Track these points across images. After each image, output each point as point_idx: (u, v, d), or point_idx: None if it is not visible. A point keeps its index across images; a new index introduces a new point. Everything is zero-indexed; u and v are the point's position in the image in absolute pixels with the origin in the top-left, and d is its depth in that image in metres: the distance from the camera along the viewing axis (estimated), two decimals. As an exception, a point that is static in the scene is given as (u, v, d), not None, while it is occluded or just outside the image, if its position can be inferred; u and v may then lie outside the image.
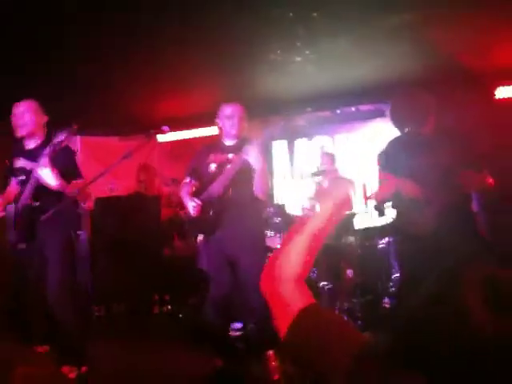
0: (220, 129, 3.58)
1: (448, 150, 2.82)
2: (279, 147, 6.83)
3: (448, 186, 2.77)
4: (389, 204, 3.31)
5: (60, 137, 3.25)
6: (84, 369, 3.37)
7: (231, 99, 5.77)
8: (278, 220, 4.81)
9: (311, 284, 4.85)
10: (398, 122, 2.99)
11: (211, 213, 3.29)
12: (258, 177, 3.22)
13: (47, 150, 3.25)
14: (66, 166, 3.39)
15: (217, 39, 4.31)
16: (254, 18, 3.90)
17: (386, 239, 4.91)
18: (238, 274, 3.34)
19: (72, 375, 3.31)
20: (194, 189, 3.49)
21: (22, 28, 3.81)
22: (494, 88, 5.65)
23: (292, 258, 1.19)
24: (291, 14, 3.85)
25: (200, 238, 3.47)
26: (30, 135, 3.53)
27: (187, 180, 3.57)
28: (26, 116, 3.48)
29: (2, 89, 5.09)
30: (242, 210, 3.30)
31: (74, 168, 3.51)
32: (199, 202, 3.34)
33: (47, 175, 3.24)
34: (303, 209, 5.41)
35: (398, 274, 4.77)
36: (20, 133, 3.50)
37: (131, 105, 6.12)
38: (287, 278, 1.16)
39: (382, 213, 4.67)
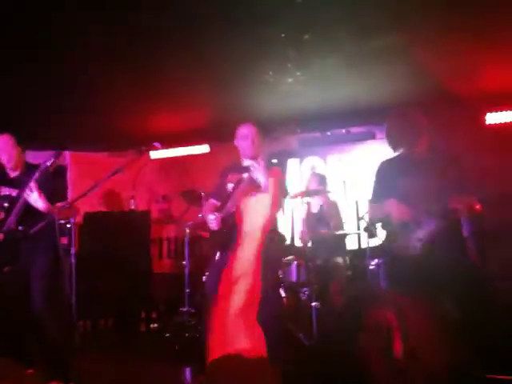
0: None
1: (439, 172, 2.83)
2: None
3: (438, 208, 2.78)
4: (379, 225, 3.31)
5: (47, 162, 3.42)
6: None
7: (223, 118, 5.83)
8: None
9: (302, 304, 4.82)
10: (392, 142, 3.01)
11: (225, 230, 3.29)
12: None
13: (35, 175, 3.42)
14: (52, 189, 3.52)
15: (209, 58, 4.35)
16: (246, 38, 3.95)
17: (376, 261, 4.91)
18: None
19: None
20: (214, 208, 3.51)
21: (10, 46, 3.82)
22: (485, 113, 5.72)
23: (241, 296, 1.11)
24: (283, 36, 3.89)
25: (217, 255, 3.46)
26: (13, 167, 3.72)
27: (210, 200, 3.60)
28: (6, 153, 3.67)
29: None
30: None
31: (60, 191, 3.69)
32: (219, 216, 3.35)
33: (35, 199, 3.39)
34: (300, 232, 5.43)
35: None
36: (6, 166, 3.71)
37: (122, 121, 6.12)
38: (236, 313, 1.08)
39: (372, 234, 4.68)
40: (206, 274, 3.91)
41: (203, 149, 6.85)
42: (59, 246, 3.53)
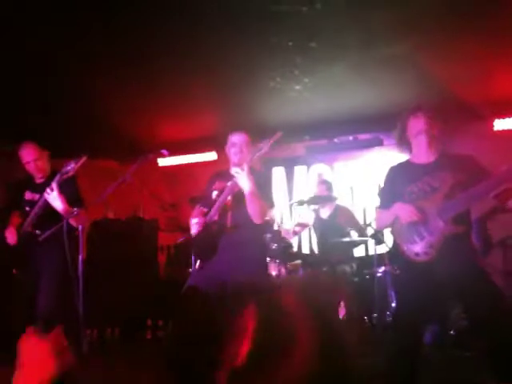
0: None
1: (450, 177, 2.81)
2: (277, 174, 6.85)
3: (449, 214, 2.75)
4: (387, 232, 3.29)
5: (68, 166, 3.50)
6: None
7: (230, 125, 5.84)
8: (274, 246, 4.79)
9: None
10: (402, 145, 2.99)
11: (207, 238, 3.29)
12: (248, 200, 3.20)
13: (56, 178, 3.52)
14: (70, 194, 3.61)
15: (217, 66, 4.38)
16: (253, 46, 3.97)
17: (383, 268, 4.88)
18: None
19: None
20: (201, 215, 3.51)
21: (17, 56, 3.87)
22: (493, 120, 5.70)
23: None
24: (290, 43, 3.91)
25: (198, 263, 3.44)
26: (39, 174, 3.86)
27: (197, 207, 3.60)
28: (32, 162, 3.80)
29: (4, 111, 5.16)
30: (238, 236, 3.29)
31: (77, 197, 3.75)
32: (202, 220, 3.34)
33: (54, 199, 3.47)
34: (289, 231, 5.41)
35: (394, 304, 4.74)
36: (32, 172, 3.85)
37: (131, 129, 6.16)
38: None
39: (379, 241, 4.66)
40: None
41: (211, 156, 6.86)
42: (68, 252, 3.57)
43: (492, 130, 5.70)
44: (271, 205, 3.39)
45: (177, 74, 4.54)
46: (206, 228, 3.31)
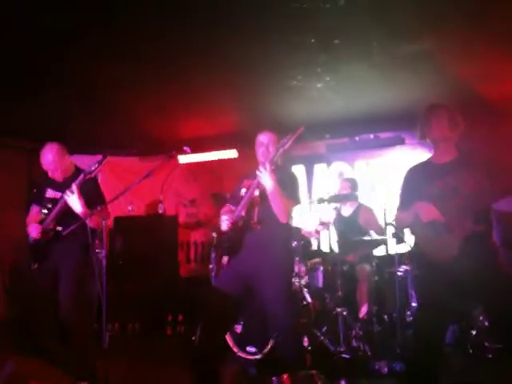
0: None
1: (470, 176, 2.79)
2: (297, 171, 6.86)
3: (470, 213, 2.73)
4: (407, 231, 3.27)
5: (92, 167, 3.52)
6: None
7: (251, 123, 5.87)
8: (294, 243, 4.80)
9: (328, 310, 4.81)
10: (422, 129, 2.98)
11: (234, 234, 3.33)
12: (271, 199, 3.23)
13: (79, 178, 3.54)
14: (91, 194, 3.63)
15: (239, 64, 4.39)
16: (276, 44, 3.98)
17: (404, 267, 4.86)
18: (259, 294, 3.35)
19: None
20: (230, 212, 3.55)
21: (38, 46, 3.91)
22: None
23: None
24: (313, 41, 3.91)
25: (225, 259, 3.49)
26: (61, 173, 3.85)
27: (226, 205, 3.65)
28: (54, 162, 3.80)
29: (23, 109, 5.26)
30: (264, 232, 3.33)
31: (98, 197, 3.77)
32: (232, 217, 3.39)
33: (74, 200, 3.50)
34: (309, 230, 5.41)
35: (415, 304, 4.71)
36: (52, 176, 3.85)
37: (152, 126, 6.22)
38: None
39: (400, 240, 4.63)
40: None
41: (231, 154, 6.89)
42: (90, 249, 3.62)
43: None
44: (295, 202, 3.40)
45: (199, 72, 4.57)
46: (233, 224, 3.36)
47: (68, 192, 3.50)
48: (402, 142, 6.13)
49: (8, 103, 5.15)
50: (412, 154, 5.60)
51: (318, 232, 5.53)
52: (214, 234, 5.45)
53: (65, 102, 5.17)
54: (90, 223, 3.57)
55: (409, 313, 4.69)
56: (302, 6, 3.41)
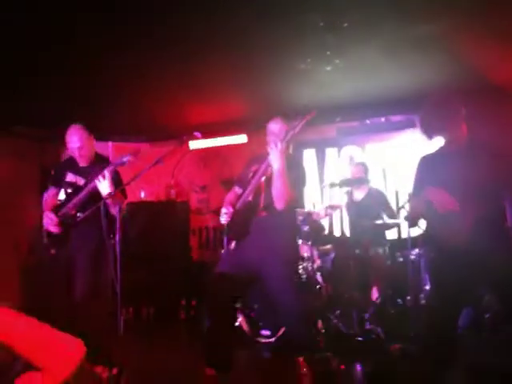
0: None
1: (482, 163, 2.77)
2: (308, 155, 6.83)
3: (482, 200, 2.72)
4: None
5: (124, 158, 3.54)
6: (115, 370, 3.45)
7: (261, 108, 5.84)
8: (306, 228, 4.80)
9: (339, 293, 4.82)
10: (427, 130, 2.96)
11: (241, 218, 3.33)
12: (274, 178, 3.20)
13: (111, 167, 3.55)
14: (115, 181, 3.62)
15: (246, 48, 4.36)
16: (284, 26, 3.93)
17: (417, 251, 4.85)
18: (265, 282, 3.35)
19: (104, 375, 3.40)
20: (236, 196, 3.55)
21: (48, 32, 3.90)
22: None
23: None
24: (321, 23, 3.86)
25: (232, 244, 3.49)
26: (84, 156, 3.82)
27: (234, 188, 3.64)
28: (78, 142, 3.75)
29: (33, 97, 5.27)
30: (270, 217, 3.32)
31: (120, 184, 3.75)
32: (231, 210, 3.39)
33: (105, 186, 3.50)
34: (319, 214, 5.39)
35: (428, 287, 4.71)
36: (77, 156, 3.81)
37: (162, 112, 6.21)
38: None
39: (413, 223, 4.61)
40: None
41: (241, 139, 6.88)
42: (106, 235, 3.62)
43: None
44: (297, 191, 3.36)
45: (206, 57, 4.54)
46: (239, 209, 3.36)
47: (100, 177, 3.50)
48: (413, 125, 6.08)
49: (18, 93, 5.16)
50: (423, 138, 5.56)
51: (326, 214, 5.52)
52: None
53: (74, 89, 5.17)
54: (111, 209, 3.62)
55: (422, 296, 4.69)
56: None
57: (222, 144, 7.01)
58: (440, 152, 3.00)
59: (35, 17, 3.64)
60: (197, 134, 3.57)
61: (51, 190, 3.94)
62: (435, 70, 4.90)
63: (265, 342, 4.29)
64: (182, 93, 5.57)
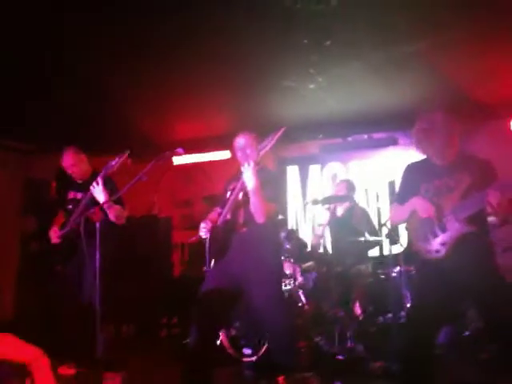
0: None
1: (466, 177, 2.79)
2: (291, 172, 6.85)
3: (464, 214, 2.74)
4: (401, 231, 3.27)
5: (112, 162, 3.67)
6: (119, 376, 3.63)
7: (245, 124, 5.85)
8: (288, 245, 4.79)
9: (323, 312, 4.80)
10: (421, 146, 2.97)
11: (220, 237, 3.31)
12: (251, 197, 3.19)
13: (102, 173, 3.70)
14: (111, 190, 3.76)
15: (231, 64, 4.38)
16: (268, 44, 3.97)
17: (398, 268, 4.86)
18: (249, 298, 3.33)
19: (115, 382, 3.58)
20: (216, 216, 3.52)
21: (36, 45, 3.89)
22: (509, 120, 5.64)
23: None
24: (305, 41, 3.90)
25: (212, 263, 3.46)
26: (78, 173, 4.13)
27: (215, 209, 3.62)
28: (74, 167, 4.09)
29: (19, 110, 5.23)
30: (251, 233, 3.31)
31: (117, 193, 3.84)
32: (209, 224, 3.37)
33: (99, 192, 3.65)
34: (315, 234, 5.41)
35: (409, 304, 4.71)
36: (72, 174, 4.11)
37: (146, 127, 6.19)
38: None
39: (394, 240, 4.64)
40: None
41: (224, 155, 6.88)
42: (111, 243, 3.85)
43: (509, 130, 5.64)
44: (276, 205, 3.38)
45: (191, 73, 4.56)
46: (217, 228, 3.32)
47: (94, 184, 3.66)
48: (395, 142, 6.15)
49: (4, 105, 5.11)
50: (405, 155, 5.61)
51: (322, 236, 5.53)
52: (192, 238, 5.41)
53: (59, 104, 5.14)
54: (111, 215, 3.79)
55: (403, 313, 4.69)
56: (295, 5, 3.40)
57: (206, 160, 7.00)
58: (427, 162, 2.99)
59: (24, 29, 3.62)
60: (179, 150, 3.57)
61: (60, 213, 4.21)
62: (417, 88, 4.97)
63: (246, 361, 4.24)
64: (166, 109, 5.57)
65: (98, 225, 3.52)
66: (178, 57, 4.20)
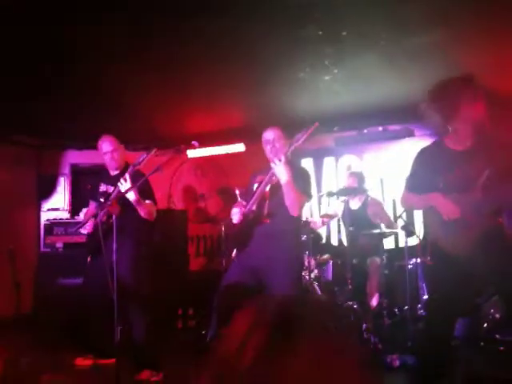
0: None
1: (487, 165, 2.71)
2: (306, 165, 6.84)
3: (488, 206, 2.68)
4: (418, 223, 3.24)
5: (140, 158, 3.67)
6: (160, 375, 3.75)
7: (258, 116, 5.85)
8: (303, 237, 4.79)
9: (338, 304, 4.80)
10: (441, 110, 2.88)
11: (243, 228, 3.36)
12: (285, 191, 3.25)
13: (129, 169, 3.72)
14: (141, 186, 3.75)
15: (245, 57, 4.37)
16: (282, 35, 3.95)
17: (414, 260, 4.84)
18: (268, 288, 3.37)
19: (153, 379, 3.68)
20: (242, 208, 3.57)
21: (45, 40, 3.91)
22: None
23: None
24: (320, 33, 3.88)
25: (234, 253, 3.52)
26: (115, 166, 4.10)
27: (239, 201, 3.69)
28: (112, 146, 4.06)
29: (28, 103, 5.28)
30: (274, 225, 3.35)
31: (147, 189, 3.94)
32: (243, 210, 3.42)
33: (127, 188, 3.64)
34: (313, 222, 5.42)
35: (426, 296, 4.70)
36: (110, 168, 4.12)
37: (161, 120, 6.22)
38: None
39: (410, 232, 4.62)
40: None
41: (239, 148, 6.89)
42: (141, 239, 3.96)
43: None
44: (308, 197, 3.42)
45: (204, 66, 4.55)
46: (244, 218, 3.38)
47: (122, 180, 3.66)
48: (410, 134, 6.10)
49: (16, 101, 5.17)
50: (421, 146, 5.56)
51: (323, 223, 5.54)
52: (223, 228, 5.47)
53: (72, 98, 5.18)
54: (141, 212, 3.79)
55: (419, 306, 4.68)
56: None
57: (220, 153, 7.02)
58: (443, 148, 2.90)
59: (34, 29, 3.65)
60: (194, 142, 3.61)
61: (91, 204, 4.29)
62: (432, 80, 4.90)
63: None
64: (181, 102, 5.58)
65: (114, 218, 3.57)
66: (192, 51, 4.20)
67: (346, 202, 5.40)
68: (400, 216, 4.76)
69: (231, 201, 5.29)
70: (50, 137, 6.73)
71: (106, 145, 4.06)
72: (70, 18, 3.53)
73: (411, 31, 3.94)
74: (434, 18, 3.74)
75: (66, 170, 7.07)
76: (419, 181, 2.92)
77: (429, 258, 4.47)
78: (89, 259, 4.09)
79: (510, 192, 2.66)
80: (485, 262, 2.62)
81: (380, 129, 6.37)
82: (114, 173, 4.13)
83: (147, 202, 3.88)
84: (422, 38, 4.01)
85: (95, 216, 3.84)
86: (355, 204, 5.36)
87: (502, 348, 4.01)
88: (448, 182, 2.77)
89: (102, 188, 4.13)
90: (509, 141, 3.01)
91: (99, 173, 4.27)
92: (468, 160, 2.76)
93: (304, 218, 5.14)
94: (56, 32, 3.72)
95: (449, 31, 3.91)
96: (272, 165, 3.25)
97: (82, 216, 5.72)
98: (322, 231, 6.13)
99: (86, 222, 3.99)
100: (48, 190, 6.93)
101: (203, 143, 6.54)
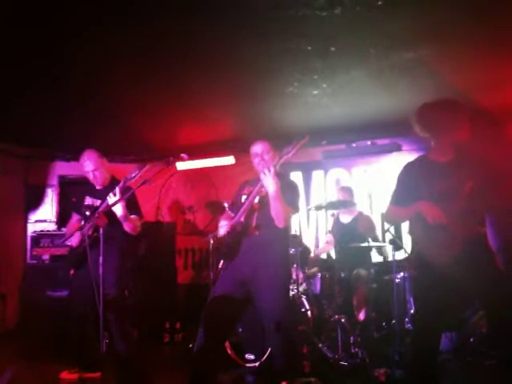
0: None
1: (469, 176, 2.76)
2: (295, 178, 6.86)
3: (472, 215, 2.72)
4: (405, 237, 3.26)
5: (133, 173, 3.66)
6: None
7: (248, 129, 5.87)
8: (292, 250, 4.79)
9: (326, 317, 4.79)
10: (425, 127, 2.94)
11: (231, 240, 3.36)
12: (271, 202, 3.25)
13: (120, 184, 3.71)
14: (129, 200, 3.77)
15: (236, 70, 4.40)
16: (272, 50, 3.98)
17: (402, 274, 4.85)
18: (256, 300, 3.36)
19: None
20: (229, 219, 3.58)
21: (35, 49, 3.90)
22: (510, 127, 5.64)
23: None
24: (309, 48, 3.92)
25: (220, 264, 3.53)
26: (99, 178, 4.11)
27: (226, 212, 3.71)
28: (94, 165, 4.06)
29: (17, 112, 5.26)
30: (262, 237, 3.35)
31: (135, 204, 3.96)
32: (229, 222, 3.42)
33: (115, 202, 3.64)
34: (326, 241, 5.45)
35: (413, 310, 4.70)
36: (92, 179, 4.11)
37: (150, 132, 6.21)
38: None
39: (398, 246, 4.63)
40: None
41: (228, 160, 6.89)
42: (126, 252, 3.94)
43: (510, 137, 5.64)
44: (295, 209, 3.43)
45: (195, 79, 4.57)
46: (231, 230, 3.38)
47: (111, 194, 3.66)
48: (398, 148, 6.15)
49: (4, 109, 5.15)
50: (408, 160, 5.61)
51: (331, 242, 5.58)
52: (211, 240, 5.45)
53: (61, 108, 5.17)
54: (126, 227, 3.80)
55: (407, 320, 4.69)
56: (298, 13, 3.42)
57: (210, 165, 7.02)
58: (425, 161, 2.97)
59: (24, 36, 3.64)
60: (184, 155, 3.63)
61: (74, 217, 4.25)
62: (420, 95, 4.95)
63: (249, 366, 4.24)
64: (170, 114, 5.59)
65: (101, 230, 3.55)
66: (181, 63, 4.22)
67: (336, 216, 5.42)
68: (388, 230, 4.78)
69: (220, 213, 5.29)
70: (39, 147, 6.69)
71: (88, 164, 4.07)
72: (59, 27, 3.53)
73: (400, 46, 3.99)
74: (423, 34, 3.79)
75: (54, 181, 7.01)
76: (404, 194, 2.96)
77: (413, 268, 4.50)
78: (72, 272, 4.07)
79: (493, 202, 2.70)
80: (468, 272, 2.65)
81: (368, 143, 6.42)
82: (99, 187, 4.15)
83: (132, 216, 3.88)
84: (411, 53, 4.06)
85: (80, 229, 3.83)
86: (346, 218, 5.39)
87: (489, 362, 4.02)
88: (432, 192, 2.82)
89: (88, 201, 4.13)
90: (491, 152, 3.08)
91: (85, 185, 4.26)
92: (451, 171, 2.82)
93: (295, 232, 5.16)
94: (46, 41, 3.72)
95: (437, 47, 3.97)
96: (261, 175, 3.26)
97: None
98: (311, 245, 6.15)
99: (72, 235, 3.97)
100: (36, 201, 6.87)
101: (193, 155, 6.55)
